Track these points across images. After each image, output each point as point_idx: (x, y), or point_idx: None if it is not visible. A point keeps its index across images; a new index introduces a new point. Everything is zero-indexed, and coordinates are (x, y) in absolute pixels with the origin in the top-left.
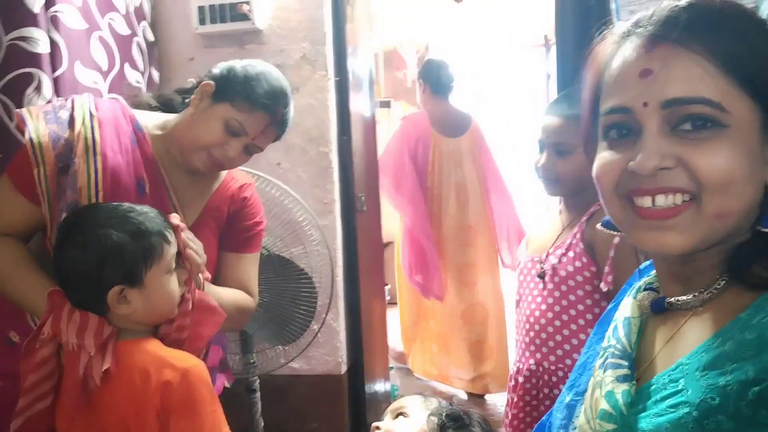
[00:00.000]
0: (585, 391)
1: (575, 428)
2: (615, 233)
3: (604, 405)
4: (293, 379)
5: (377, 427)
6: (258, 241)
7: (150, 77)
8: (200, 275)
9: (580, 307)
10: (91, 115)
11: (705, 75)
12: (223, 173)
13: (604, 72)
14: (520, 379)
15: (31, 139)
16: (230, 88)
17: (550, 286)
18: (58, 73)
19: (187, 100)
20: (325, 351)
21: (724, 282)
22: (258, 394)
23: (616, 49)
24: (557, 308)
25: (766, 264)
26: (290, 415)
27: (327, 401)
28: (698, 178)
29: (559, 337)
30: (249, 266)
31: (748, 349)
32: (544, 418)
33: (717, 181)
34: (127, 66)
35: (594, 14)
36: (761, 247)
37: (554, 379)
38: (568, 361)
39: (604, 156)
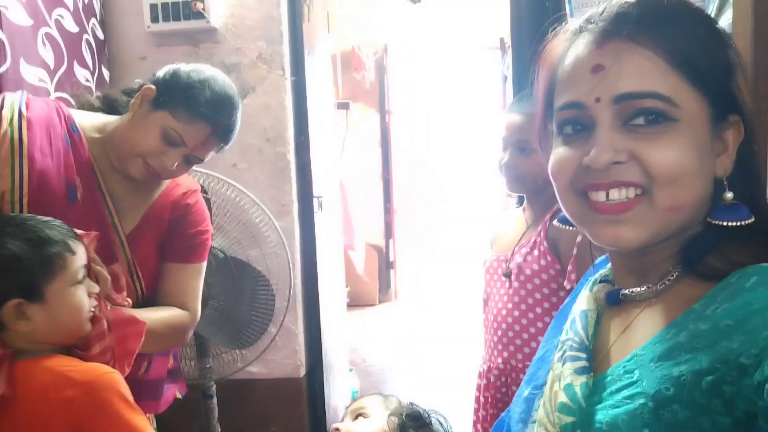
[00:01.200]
0: (543, 384)
1: (534, 422)
2: (575, 230)
3: (563, 398)
4: (251, 384)
5: (337, 429)
6: (202, 251)
7: (100, 76)
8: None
9: (546, 305)
10: (20, 115)
11: (655, 70)
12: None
13: (557, 68)
14: (491, 378)
15: None
16: (171, 95)
17: (515, 284)
18: (1, 70)
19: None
20: (283, 354)
21: (677, 273)
22: (215, 400)
23: (569, 45)
24: (523, 306)
25: (719, 255)
26: (249, 420)
27: (286, 405)
28: (649, 171)
29: (525, 335)
30: (190, 278)
31: (701, 339)
32: (503, 415)
33: (668, 175)
34: (75, 64)
35: (548, 16)
36: (713, 238)
37: (522, 377)
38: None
39: (558, 152)
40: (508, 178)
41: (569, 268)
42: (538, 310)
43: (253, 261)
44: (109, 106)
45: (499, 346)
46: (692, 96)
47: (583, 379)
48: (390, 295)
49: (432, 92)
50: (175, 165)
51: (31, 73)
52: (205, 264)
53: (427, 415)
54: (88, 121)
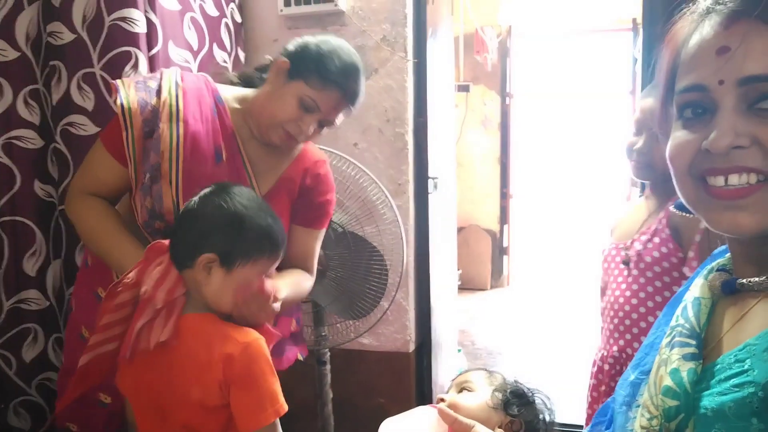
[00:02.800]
0: (650, 370)
1: (638, 406)
2: (697, 217)
3: (668, 382)
4: (363, 354)
5: (442, 399)
6: (325, 219)
7: (236, 57)
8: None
9: (666, 293)
10: (177, 85)
11: None
12: (299, 147)
13: (681, 50)
14: (606, 366)
15: (122, 105)
16: (304, 66)
17: (635, 272)
18: (153, 51)
19: (264, 77)
20: (394, 329)
21: None
22: (328, 367)
23: (695, 27)
24: (642, 294)
25: None
26: (358, 389)
27: (394, 378)
28: None
29: (643, 324)
30: (313, 242)
31: None
32: (608, 400)
33: None
34: (215, 46)
35: None
36: None
37: None
38: None
39: (678, 136)
40: (637, 164)
41: (691, 255)
42: (658, 298)
43: (368, 237)
44: (246, 81)
45: (616, 334)
46: None
47: (690, 365)
48: (502, 281)
49: (556, 76)
50: (311, 129)
51: (178, 55)
52: (324, 231)
53: (531, 394)
54: (230, 93)
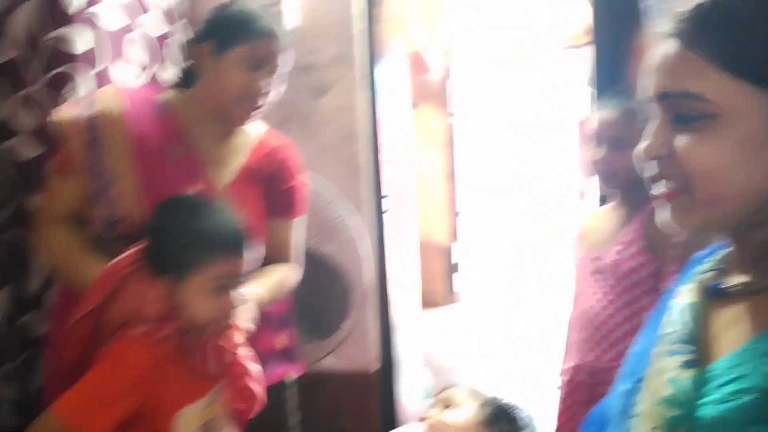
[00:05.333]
0: (643, 378)
1: (634, 416)
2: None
3: (667, 391)
4: (327, 376)
5: (424, 419)
6: (297, 206)
7: None
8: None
9: (641, 303)
10: (113, 94)
11: (689, 68)
12: (258, 134)
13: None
14: (579, 377)
15: (60, 122)
16: (224, 34)
17: (608, 282)
18: (97, 70)
19: (195, 71)
20: (357, 348)
21: None
22: (293, 389)
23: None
24: (617, 305)
25: None
26: (324, 411)
27: (359, 399)
28: (683, 167)
29: (618, 334)
30: (288, 231)
31: None
32: (591, 410)
33: (698, 170)
34: (163, 63)
35: (630, 13)
36: None
37: (611, 377)
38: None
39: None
40: (603, 175)
41: (670, 268)
42: (633, 309)
43: (329, 256)
44: (186, 82)
45: (590, 344)
46: (741, 90)
47: (689, 372)
48: (453, 297)
49: (500, 93)
50: (268, 85)
51: (124, 73)
52: (304, 217)
53: (513, 410)
54: (172, 95)
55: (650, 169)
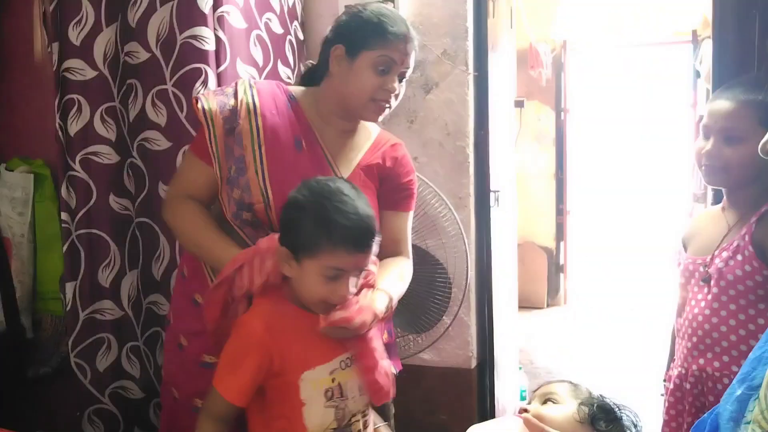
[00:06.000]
0: (759, 385)
1: (748, 422)
2: None
3: None
4: (424, 370)
5: (525, 410)
6: (411, 200)
7: (299, 73)
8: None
9: (751, 311)
10: (251, 87)
11: None
12: (374, 133)
13: None
14: (686, 385)
15: (203, 108)
16: (358, 38)
17: (715, 290)
18: (221, 68)
19: (320, 69)
20: (455, 344)
21: None
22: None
23: None
24: (723, 313)
25: None
26: (420, 404)
27: (456, 394)
28: None
29: (725, 343)
30: (404, 225)
31: None
32: (704, 416)
33: None
34: (279, 63)
35: (754, 5)
36: None
37: (719, 386)
38: (735, 368)
39: None
40: (709, 170)
41: None
42: (742, 317)
43: (431, 250)
44: (312, 80)
45: (695, 353)
46: None
47: None
48: (559, 299)
49: (612, 90)
50: (397, 87)
51: (245, 71)
52: (412, 213)
53: (618, 410)
54: (300, 91)
55: None
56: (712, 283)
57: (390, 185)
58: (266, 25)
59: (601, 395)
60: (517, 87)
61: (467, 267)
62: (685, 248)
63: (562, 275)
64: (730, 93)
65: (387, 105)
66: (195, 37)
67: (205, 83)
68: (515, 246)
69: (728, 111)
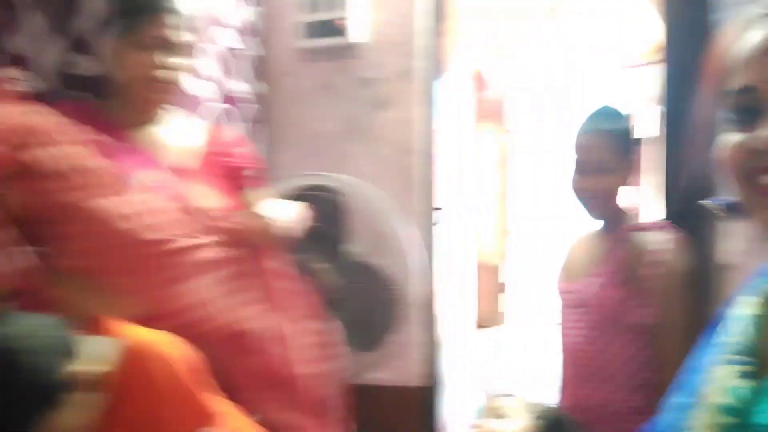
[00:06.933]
0: (697, 391)
1: (688, 430)
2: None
3: (725, 400)
4: (373, 389)
5: (478, 426)
6: (263, 176)
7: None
8: None
9: (630, 335)
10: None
11: None
12: (199, 128)
13: (728, 56)
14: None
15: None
16: (116, 22)
17: (595, 316)
18: None
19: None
20: (404, 363)
21: None
22: None
23: (745, 31)
24: (605, 339)
25: None
26: (368, 424)
27: (404, 414)
28: None
29: (609, 371)
30: (267, 198)
31: None
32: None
33: None
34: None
35: (702, 30)
36: None
37: (607, 413)
38: (618, 396)
39: (728, 137)
40: (586, 202)
41: (650, 301)
42: (620, 342)
43: (378, 268)
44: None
45: (579, 381)
46: None
47: (748, 382)
48: (499, 318)
49: (559, 114)
50: (171, 61)
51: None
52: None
53: (569, 422)
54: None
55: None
56: (588, 310)
57: (238, 169)
58: (218, 38)
59: (553, 408)
60: (466, 108)
61: (411, 285)
62: (561, 276)
63: (501, 294)
64: (592, 124)
65: (166, 80)
66: None
67: None
68: (472, 265)
69: (592, 143)
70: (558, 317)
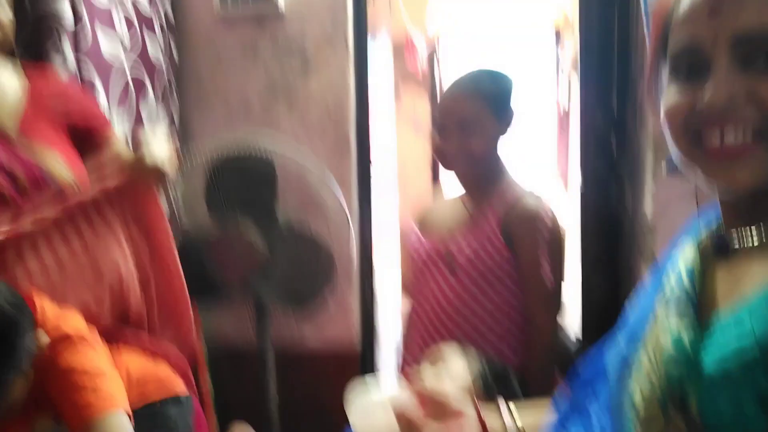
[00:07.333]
0: (640, 339)
1: (633, 377)
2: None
3: (670, 349)
4: (307, 354)
5: (415, 371)
6: (100, 114)
7: (171, 58)
8: None
9: (496, 298)
10: None
11: None
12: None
13: (671, 14)
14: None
15: None
16: None
17: (463, 277)
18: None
19: None
20: (339, 328)
21: None
22: (272, 366)
23: None
24: (471, 300)
25: None
26: (304, 389)
27: (339, 377)
28: (766, 110)
29: (469, 330)
30: (113, 141)
31: None
32: (581, 372)
33: None
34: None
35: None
36: None
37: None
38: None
39: (672, 96)
40: (443, 160)
41: (542, 261)
42: (488, 304)
43: (312, 231)
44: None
45: (437, 338)
46: None
47: (691, 331)
48: None
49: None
50: None
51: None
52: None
53: (506, 369)
54: None
55: (718, 118)
56: (458, 270)
57: (73, 110)
58: (133, 5)
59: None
60: (393, 77)
61: (351, 248)
62: (421, 235)
63: None
64: (460, 85)
65: None
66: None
67: None
68: (398, 229)
69: (460, 102)
70: (414, 276)
